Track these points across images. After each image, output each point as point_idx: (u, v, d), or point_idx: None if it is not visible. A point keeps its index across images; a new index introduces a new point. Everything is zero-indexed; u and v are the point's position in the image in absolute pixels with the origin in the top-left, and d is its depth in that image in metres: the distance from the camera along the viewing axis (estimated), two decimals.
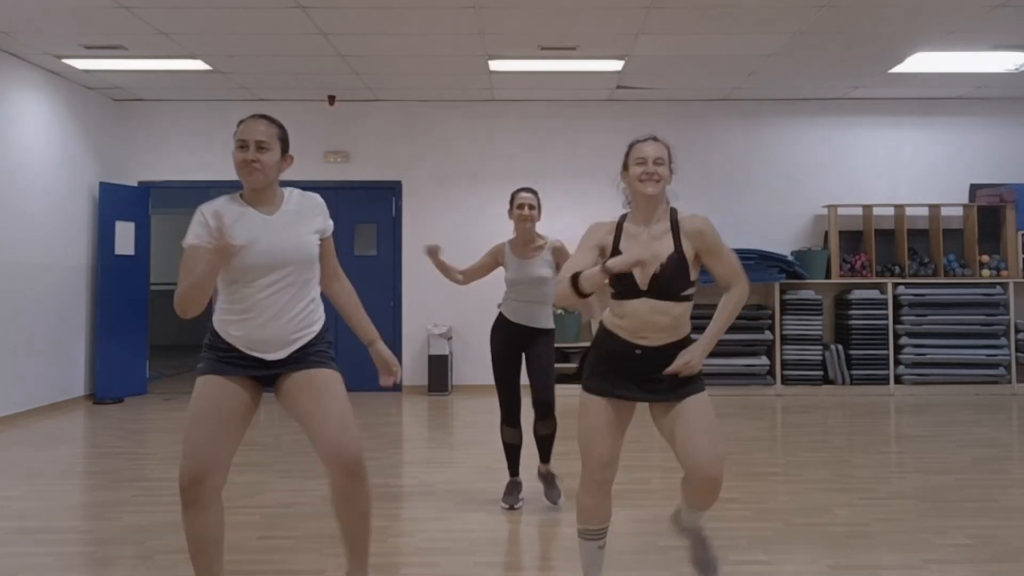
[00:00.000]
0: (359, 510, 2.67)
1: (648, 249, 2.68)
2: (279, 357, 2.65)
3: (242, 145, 2.68)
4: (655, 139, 2.80)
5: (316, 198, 2.81)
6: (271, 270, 2.61)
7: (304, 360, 2.67)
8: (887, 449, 5.69)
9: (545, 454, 4.41)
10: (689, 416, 2.71)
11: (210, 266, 2.51)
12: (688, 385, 2.74)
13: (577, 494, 2.85)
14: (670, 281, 2.69)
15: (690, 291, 2.75)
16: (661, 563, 3.40)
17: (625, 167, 2.82)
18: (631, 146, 2.83)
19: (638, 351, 2.74)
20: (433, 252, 4.29)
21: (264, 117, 2.76)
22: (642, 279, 2.66)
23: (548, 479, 4.41)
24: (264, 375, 2.68)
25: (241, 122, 2.75)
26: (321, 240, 2.76)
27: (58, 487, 4.73)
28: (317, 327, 2.73)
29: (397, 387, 8.50)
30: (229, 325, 2.66)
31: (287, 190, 2.80)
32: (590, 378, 2.82)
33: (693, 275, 2.75)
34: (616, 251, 2.76)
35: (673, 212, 2.83)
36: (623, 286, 2.71)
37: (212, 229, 2.50)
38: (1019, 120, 8.73)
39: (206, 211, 2.66)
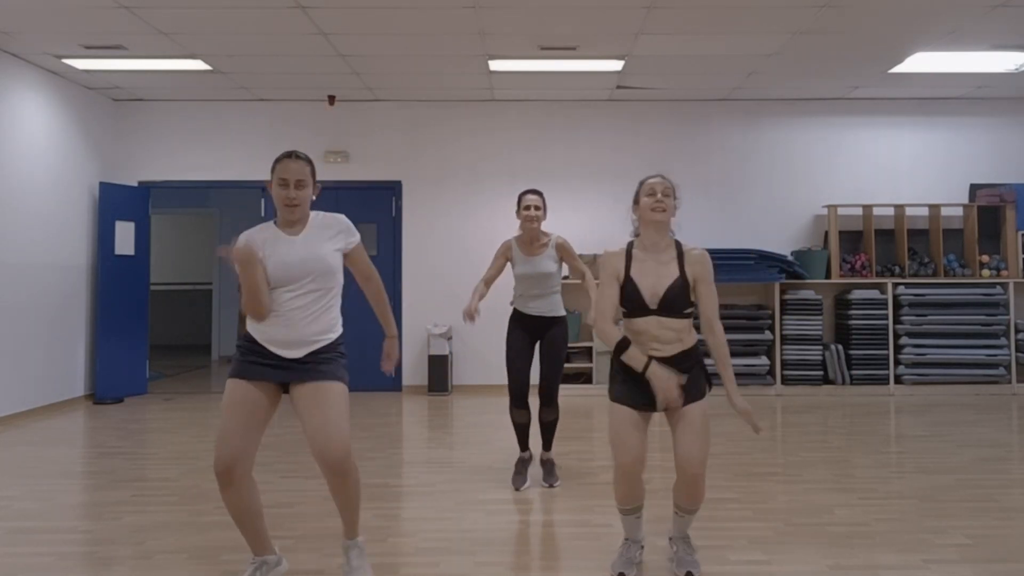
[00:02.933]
0: (343, 497, 3.10)
1: (657, 280, 3.10)
2: (295, 356, 3.01)
3: (283, 183, 3.02)
4: (663, 176, 3.20)
5: (339, 219, 3.15)
6: (292, 280, 2.99)
7: (315, 369, 3.02)
8: (887, 449, 5.69)
9: (547, 441, 4.80)
10: (690, 421, 3.11)
11: (243, 277, 2.97)
12: (694, 392, 3.13)
13: (614, 485, 3.18)
14: (674, 302, 3.09)
15: (690, 310, 3.15)
16: (661, 563, 3.40)
17: (636, 202, 3.21)
18: (641, 184, 3.22)
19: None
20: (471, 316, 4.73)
21: (298, 156, 3.07)
22: (665, 399, 3.04)
23: (548, 466, 4.77)
24: (282, 378, 3.03)
25: (278, 161, 3.05)
26: (347, 253, 3.14)
27: (58, 487, 4.73)
28: (332, 335, 3.07)
29: (397, 384, 8.51)
30: (263, 325, 3.02)
31: (313, 213, 3.13)
32: (616, 388, 3.18)
33: (693, 297, 3.16)
34: (628, 277, 3.12)
35: (678, 244, 3.21)
36: (634, 305, 3.10)
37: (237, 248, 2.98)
38: (1019, 120, 8.74)
39: (240, 237, 3.08)
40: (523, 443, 4.80)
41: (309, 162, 3.08)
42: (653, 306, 3.07)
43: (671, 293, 3.07)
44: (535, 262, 4.62)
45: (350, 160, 8.67)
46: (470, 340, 8.40)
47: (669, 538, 3.43)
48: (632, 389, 3.11)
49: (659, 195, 3.12)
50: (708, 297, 3.14)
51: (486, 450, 5.65)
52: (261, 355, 3.01)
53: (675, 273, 3.10)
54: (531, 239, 4.66)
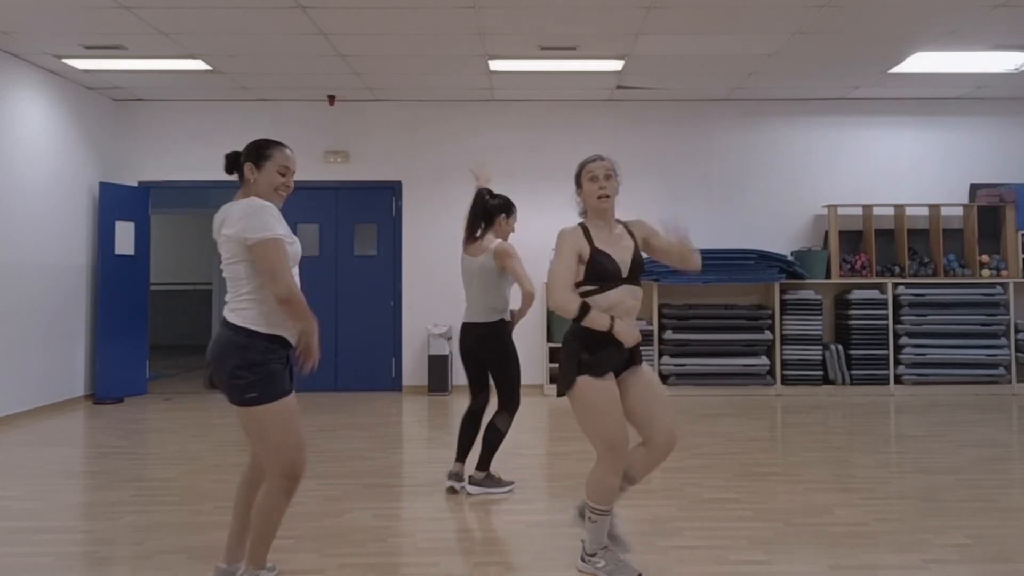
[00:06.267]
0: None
1: (621, 250, 3.18)
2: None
3: (284, 172, 2.96)
4: (601, 157, 3.25)
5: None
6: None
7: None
8: (887, 449, 5.69)
9: (479, 457, 4.56)
10: (654, 386, 3.20)
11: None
12: (638, 352, 3.24)
13: (600, 479, 3.09)
14: (639, 267, 3.19)
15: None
16: (661, 563, 3.40)
17: (579, 185, 3.25)
18: (582, 167, 3.25)
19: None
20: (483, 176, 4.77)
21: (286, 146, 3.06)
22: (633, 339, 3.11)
23: (484, 481, 4.53)
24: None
25: (276, 148, 2.97)
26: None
27: (58, 487, 4.73)
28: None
29: (397, 385, 8.51)
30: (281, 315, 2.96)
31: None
32: (582, 360, 3.09)
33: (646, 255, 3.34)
34: (596, 249, 3.13)
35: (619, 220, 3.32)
36: (607, 275, 3.10)
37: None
38: (1019, 120, 8.74)
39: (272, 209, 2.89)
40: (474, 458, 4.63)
41: None
42: (625, 274, 3.13)
43: (636, 259, 3.17)
44: (468, 262, 4.54)
45: (350, 160, 8.67)
46: None
47: (603, 547, 3.22)
48: (599, 356, 3.08)
49: (601, 180, 3.15)
50: (658, 238, 3.28)
51: None
52: (281, 359, 2.90)
53: (631, 242, 3.21)
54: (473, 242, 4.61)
